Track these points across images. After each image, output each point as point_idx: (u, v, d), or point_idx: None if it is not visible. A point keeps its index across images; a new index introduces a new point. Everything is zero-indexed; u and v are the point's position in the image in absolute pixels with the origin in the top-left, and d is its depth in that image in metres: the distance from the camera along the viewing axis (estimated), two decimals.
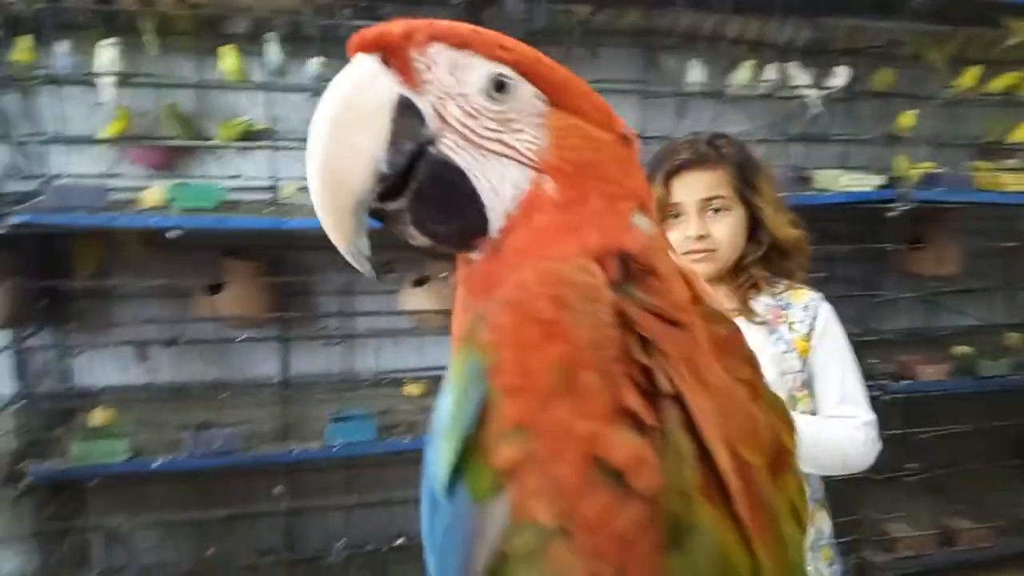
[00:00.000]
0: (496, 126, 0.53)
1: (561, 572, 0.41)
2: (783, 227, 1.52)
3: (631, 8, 2.92)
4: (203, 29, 2.69)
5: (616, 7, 2.93)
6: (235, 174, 2.75)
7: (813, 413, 1.52)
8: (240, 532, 2.73)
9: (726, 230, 1.50)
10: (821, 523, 1.56)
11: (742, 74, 2.88)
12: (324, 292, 2.88)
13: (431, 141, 0.53)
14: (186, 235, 2.28)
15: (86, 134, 2.61)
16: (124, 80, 2.48)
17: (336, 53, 2.69)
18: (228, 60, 2.55)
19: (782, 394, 1.44)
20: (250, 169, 2.77)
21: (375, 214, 0.54)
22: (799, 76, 2.93)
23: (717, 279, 1.53)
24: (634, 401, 0.44)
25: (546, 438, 0.43)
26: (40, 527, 2.41)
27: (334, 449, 2.41)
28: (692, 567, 0.43)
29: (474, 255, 0.55)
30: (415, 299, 2.79)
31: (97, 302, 2.70)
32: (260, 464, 2.44)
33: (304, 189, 2.59)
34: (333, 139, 0.52)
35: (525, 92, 0.53)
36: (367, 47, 0.53)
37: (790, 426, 0.57)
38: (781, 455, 0.54)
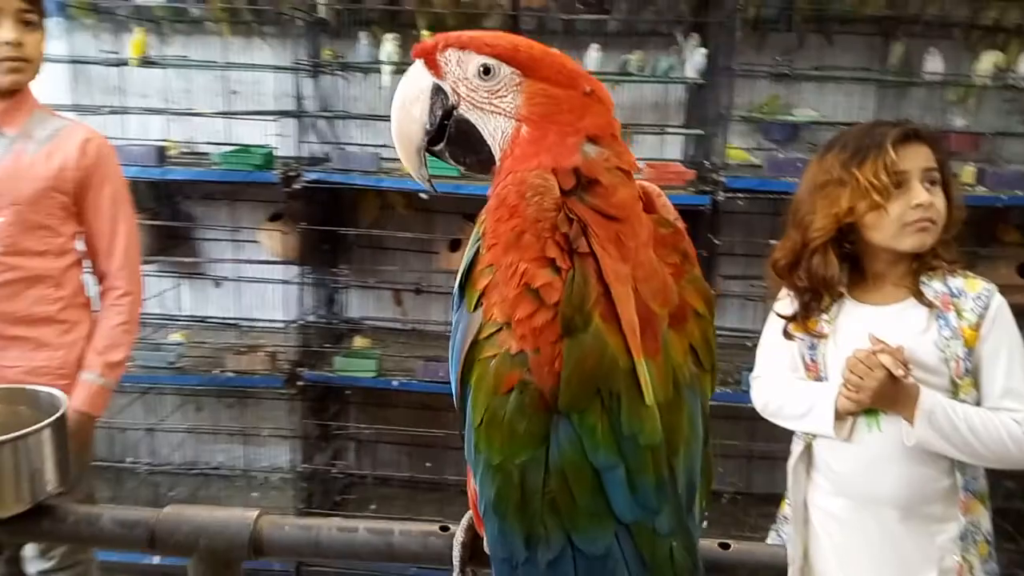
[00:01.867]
0: (488, 95, 0.81)
1: (504, 345, 0.70)
2: (961, 210, 1.56)
3: None
4: (465, 23, 3.13)
5: None
6: None
7: (977, 403, 1.52)
8: (452, 454, 3.21)
9: (943, 204, 1.53)
10: (979, 517, 1.55)
11: (985, 63, 2.70)
12: None
13: (455, 107, 0.82)
14: (435, 199, 2.73)
15: (369, 112, 3.19)
16: (398, 68, 3.00)
17: (572, 44, 3.01)
18: None
19: (943, 379, 1.52)
20: None
21: (431, 153, 0.86)
22: None
23: (894, 259, 1.56)
24: (553, 252, 0.71)
25: (502, 272, 0.72)
26: (307, 429, 3.05)
27: None
28: (579, 349, 0.69)
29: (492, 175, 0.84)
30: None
31: (366, 251, 3.31)
32: None
33: None
34: (400, 112, 0.84)
35: (504, 71, 0.80)
36: (417, 55, 0.83)
37: (707, 298, 0.81)
38: (684, 311, 0.77)
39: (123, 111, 3.05)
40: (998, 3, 2.82)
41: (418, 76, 0.83)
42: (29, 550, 2.04)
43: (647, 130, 3.17)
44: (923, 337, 1.53)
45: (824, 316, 1.63)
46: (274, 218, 3.15)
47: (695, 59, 2.83)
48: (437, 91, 0.82)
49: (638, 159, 2.92)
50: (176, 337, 3.19)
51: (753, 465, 3.24)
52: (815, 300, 1.63)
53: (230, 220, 3.33)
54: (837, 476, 1.63)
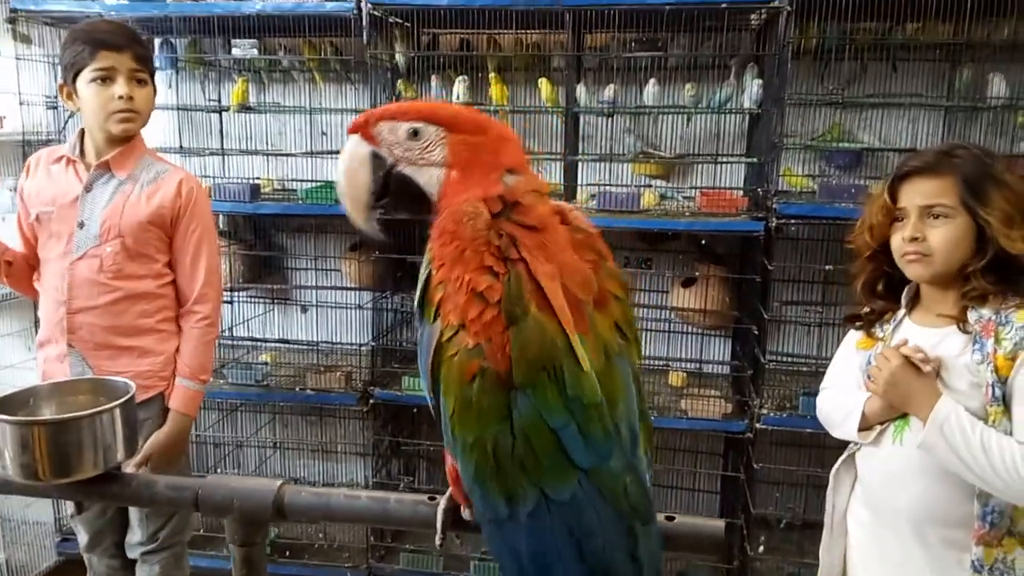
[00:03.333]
0: (420, 152, 0.97)
1: (462, 343, 0.85)
2: (1016, 242, 1.50)
3: (933, 22, 2.86)
4: (532, 64, 3.32)
5: (917, 21, 2.89)
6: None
7: (1008, 432, 1.48)
8: None
9: (941, 236, 1.54)
10: (1014, 556, 1.51)
11: None
12: None
13: (393, 167, 0.98)
14: None
15: None
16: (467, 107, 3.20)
17: (627, 80, 3.14)
18: (545, 90, 3.14)
19: (975, 403, 1.51)
20: (552, 177, 3.34)
21: (377, 207, 1.02)
22: None
23: (942, 286, 1.59)
24: (490, 262, 0.87)
25: (452, 285, 0.87)
26: (378, 445, 3.24)
27: None
28: (523, 335, 0.83)
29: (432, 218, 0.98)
30: (682, 297, 3.10)
31: None
32: None
33: (593, 197, 3.10)
34: (347, 179, 0.99)
35: (430, 130, 0.97)
36: (352, 131, 0.99)
37: (623, 284, 0.95)
38: (605, 296, 0.92)
39: (223, 152, 3.39)
40: None
41: (356, 147, 0.99)
42: (135, 535, 2.31)
43: (703, 160, 3.24)
44: (958, 361, 1.54)
45: (882, 331, 1.69)
46: (354, 248, 3.40)
47: (752, 90, 2.90)
48: (375, 157, 0.99)
49: (697, 187, 3.06)
50: (264, 358, 3.48)
51: (813, 492, 3.19)
52: (878, 316, 1.71)
53: (315, 250, 3.61)
54: (866, 486, 1.67)
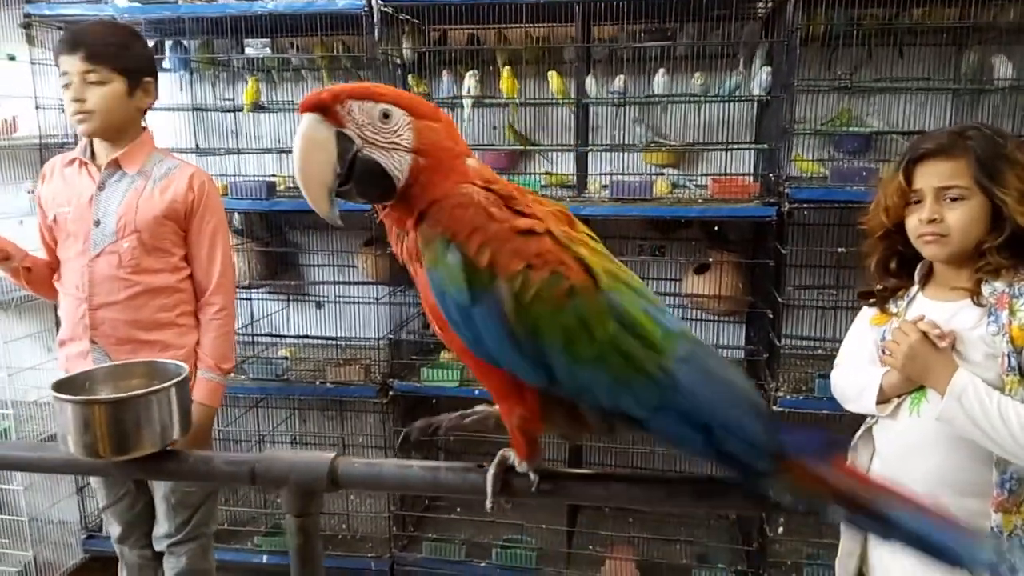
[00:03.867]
0: (389, 135, 0.95)
1: (539, 278, 0.91)
2: None
3: (939, 6, 2.89)
4: (542, 57, 3.35)
5: (923, 6, 2.92)
6: (546, 172, 3.38)
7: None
8: None
9: (958, 217, 1.58)
10: None
11: None
12: None
13: (359, 150, 0.94)
14: None
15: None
16: (477, 101, 3.24)
17: (636, 71, 3.17)
18: (555, 82, 3.18)
19: (991, 375, 1.56)
20: (564, 168, 3.38)
21: (339, 194, 0.98)
22: None
23: (958, 264, 1.63)
24: (518, 207, 0.95)
25: (496, 241, 0.91)
26: (396, 430, 3.27)
27: None
28: (581, 250, 0.94)
29: (388, 204, 0.99)
30: (696, 284, 3.14)
31: None
32: None
33: (606, 187, 3.13)
34: (306, 161, 0.93)
35: (398, 114, 0.96)
36: (309, 109, 0.93)
37: (595, 237, 1.03)
38: (573, 226, 1.01)
39: (238, 151, 3.43)
40: None
41: (316, 127, 0.93)
42: (162, 527, 2.36)
43: (714, 147, 3.28)
44: (972, 333, 1.58)
45: (896, 307, 1.74)
46: (368, 243, 3.44)
47: (760, 77, 2.94)
48: (341, 137, 0.94)
49: (708, 175, 3.09)
50: (283, 353, 3.52)
51: None
52: (891, 292, 1.76)
53: (330, 246, 3.65)
54: (884, 458, 1.71)
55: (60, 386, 1.11)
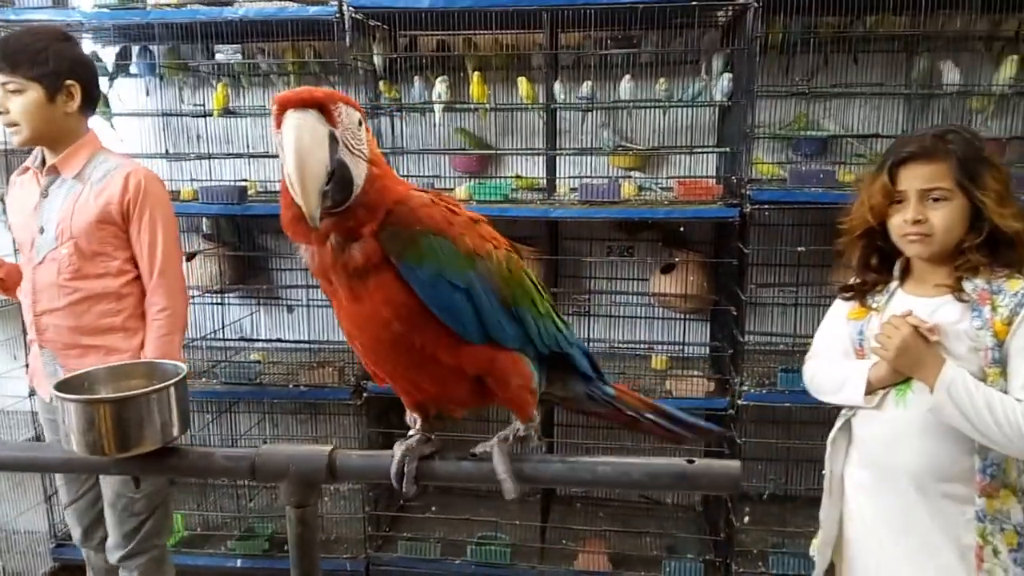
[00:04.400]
0: (360, 143, 0.98)
1: (500, 255, 1.13)
2: (1007, 219, 1.63)
3: (890, 15, 3.03)
4: (510, 64, 3.42)
5: (875, 15, 3.06)
6: (516, 175, 3.45)
7: (1005, 391, 1.62)
8: None
9: (941, 218, 1.67)
10: (1009, 507, 1.65)
11: (1005, 72, 2.83)
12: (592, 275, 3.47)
13: (339, 154, 0.95)
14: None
15: (422, 147, 3.50)
16: (448, 107, 3.29)
17: (603, 76, 3.26)
18: (523, 88, 3.24)
19: (973, 367, 1.65)
20: (533, 171, 3.46)
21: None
22: None
23: (937, 261, 1.71)
24: (458, 211, 1.09)
25: (471, 236, 1.07)
26: (372, 438, 3.31)
27: None
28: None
29: (336, 212, 0.98)
30: (662, 283, 3.23)
31: None
32: None
33: (574, 190, 3.21)
34: (306, 155, 0.91)
35: (361, 123, 1.00)
36: (309, 104, 0.93)
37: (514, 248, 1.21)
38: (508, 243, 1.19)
39: (208, 156, 3.43)
40: (1018, 15, 2.95)
41: (316, 123, 0.93)
42: (112, 536, 2.36)
43: (679, 151, 3.38)
44: (956, 327, 1.66)
45: (875, 302, 1.81)
46: None
47: (722, 83, 3.04)
48: (332, 138, 0.95)
49: (672, 177, 3.18)
50: (255, 357, 3.53)
51: (792, 466, 3.35)
52: (871, 287, 1.82)
53: (300, 250, 3.65)
54: (866, 448, 1.79)
55: (61, 387, 1.14)
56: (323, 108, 0.94)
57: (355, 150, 0.97)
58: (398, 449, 1.13)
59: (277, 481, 1.10)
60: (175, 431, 1.15)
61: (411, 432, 1.17)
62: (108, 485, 2.32)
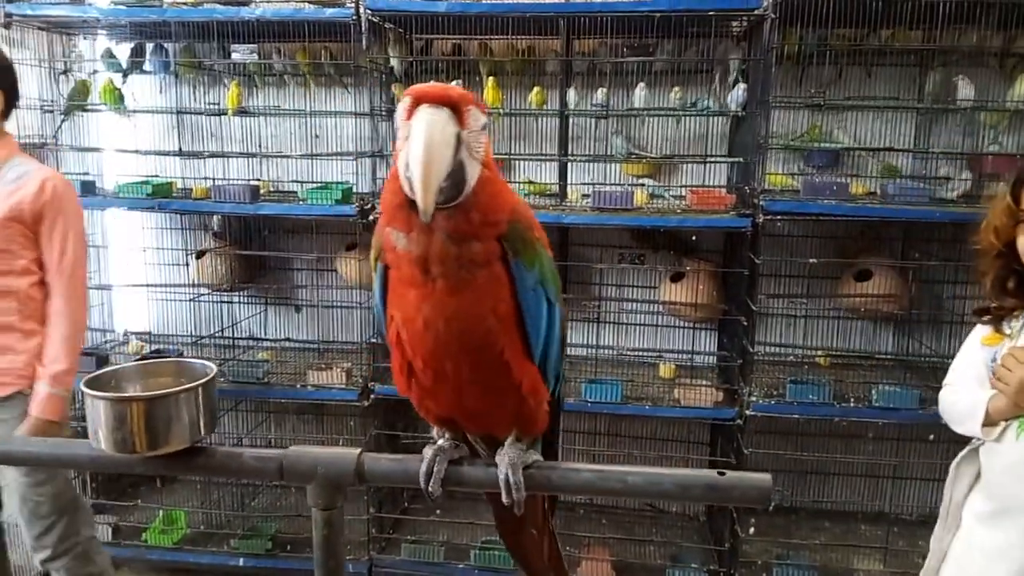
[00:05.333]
0: (479, 146, 1.00)
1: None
2: None
3: (905, 29, 3.04)
4: (524, 69, 3.42)
5: (890, 28, 3.07)
6: (528, 180, 3.46)
7: None
8: None
9: None
10: None
11: (1018, 88, 2.85)
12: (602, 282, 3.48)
13: (460, 154, 0.97)
14: None
15: None
16: None
17: (617, 84, 3.27)
18: (534, 97, 3.25)
19: None
20: (545, 177, 3.46)
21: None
22: None
23: None
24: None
25: (538, 230, 1.14)
26: (378, 439, 3.31)
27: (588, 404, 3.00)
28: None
29: (447, 208, 1.00)
30: (672, 292, 3.24)
31: None
32: None
33: (586, 196, 3.22)
34: (436, 152, 0.93)
35: (485, 127, 1.01)
36: (445, 103, 0.95)
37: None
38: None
39: (222, 155, 3.43)
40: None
41: (448, 122, 0.95)
42: (27, 543, 2.39)
43: (691, 160, 3.39)
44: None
45: (1010, 328, 1.73)
46: (350, 247, 3.47)
47: (736, 93, 3.05)
48: (458, 139, 0.97)
49: (684, 186, 3.18)
50: (263, 356, 3.53)
51: (798, 478, 3.35)
52: (1007, 312, 1.74)
53: (311, 250, 3.66)
54: (988, 479, 1.72)
55: (90, 383, 1.14)
56: (456, 108, 0.97)
57: (474, 152, 1.00)
58: (429, 450, 1.13)
59: (305, 483, 1.10)
60: (203, 430, 1.15)
61: (440, 440, 1.18)
62: (15, 489, 2.34)
